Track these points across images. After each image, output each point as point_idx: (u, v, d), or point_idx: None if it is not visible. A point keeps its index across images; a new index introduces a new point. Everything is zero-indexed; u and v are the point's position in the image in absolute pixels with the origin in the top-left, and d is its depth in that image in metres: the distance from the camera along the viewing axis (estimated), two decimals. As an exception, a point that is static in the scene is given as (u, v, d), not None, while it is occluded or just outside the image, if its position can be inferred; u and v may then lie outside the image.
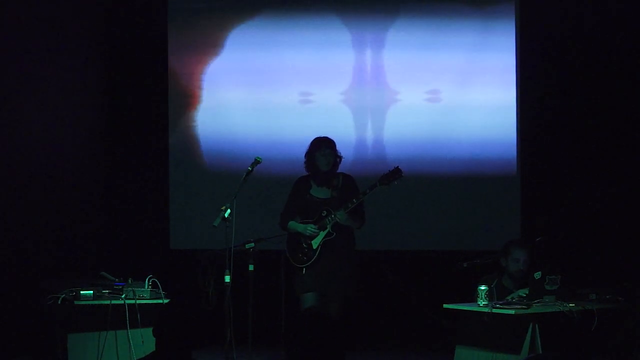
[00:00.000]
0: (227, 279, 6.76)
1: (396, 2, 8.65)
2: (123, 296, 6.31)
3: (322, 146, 7.00)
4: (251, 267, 6.93)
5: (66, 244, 8.32)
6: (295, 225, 7.02)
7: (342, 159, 7.07)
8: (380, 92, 8.65)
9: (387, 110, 8.64)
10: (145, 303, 6.33)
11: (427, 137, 8.55)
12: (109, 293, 6.36)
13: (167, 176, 8.83)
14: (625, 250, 8.13)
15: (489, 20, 8.54)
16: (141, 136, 8.95)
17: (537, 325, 5.86)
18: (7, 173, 7.77)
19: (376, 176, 7.00)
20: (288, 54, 8.69)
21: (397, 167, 6.95)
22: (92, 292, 6.33)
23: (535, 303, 6.06)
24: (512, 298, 6.28)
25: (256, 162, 6.97)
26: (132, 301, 6.29)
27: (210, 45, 8.78)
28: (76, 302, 6.27)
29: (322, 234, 6.93)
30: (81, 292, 6.30)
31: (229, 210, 6.73)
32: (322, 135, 7.11)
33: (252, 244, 6.97)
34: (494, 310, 5.93)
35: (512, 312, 5.88)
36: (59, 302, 6.26)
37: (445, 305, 6.29)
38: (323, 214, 6.95)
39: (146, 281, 6.42)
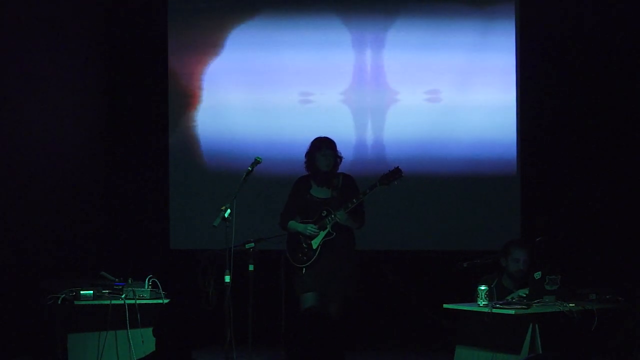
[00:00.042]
0: (227, 279, 6.77)
1: (396, 2, 8.65)
2: (123, 296, 6.31)
3: (323, 147, 7.00)
4: (251, 267, 6.93)
5: (66, 244, 8.32)
6: (295, 225, 7.02)
7: (342, 159, 7.08)
8: (380, 92, 8.65)
9: (387, 110, 8.64)
10: (145, 303, 6.33)
11: (427, 137, 8.55)
12: (109, 293, 6.36)
13: (167, 176, 8.83)
14: (625, 250, 8.13)
15: (489, 20, 8.54)
16: (141, 136, 8.95)
17: (537, 325, 5.86)
18: (7, 173, 7.77)
19: (376, 176, 7.00)
20: (288, 54, 8.69)
21: (397, 167, 6.95)
22: (92, 292, 6.33)
23: (535, 303, 6.06)
24: (512, 298, 6.28)
25: (256, 162, 6.97)
26: (132, 301, 6.30)
27: (210, 45, 8.78)
28: (76, 302, 6.27)
29: (322, 233, 6.93)
30: (81, 292, 6.30)
31: (229, 210, 6.73)
32: (322, 135, 7.12)
33: (252, 244, 6.97)
34: (494, 310, 5.93)
35: (512, 312, 5.88)
36: (59, 302, 6.26)
37: (445, 305, 6.29)
38: (323, 214, 6.95)
39: (146, 281, 6.42)
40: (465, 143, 8.52)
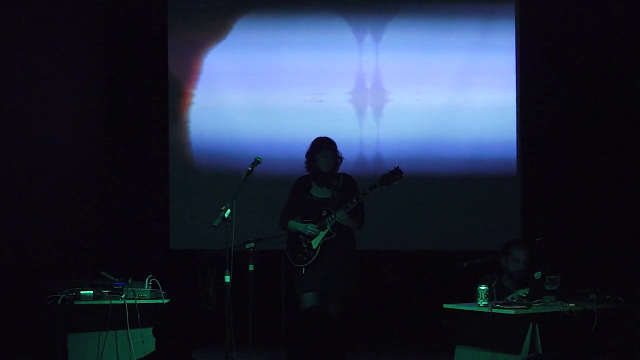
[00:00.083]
0: (227, 279, 6.76)
1: (396, 2, 8.65)
2: (123, 296, 6.31)
3: (323, 147, 7.00)
4: (251, 267, 6.93)
5: (66, 244, 8.32)
6: (295, 224, 7.02)
7: (343, 160, 7.08)
8: (380, 92, 8.65)
9: (387, 111, 8.63)
10: (145, 303, 6.33)
11: (427, 137, 8.55)
12: (109, 293, 6.36)
13: (167, 176, 8.83)
14: (625, 250, 8.13)
15: (489, 20, 8.53)
16: (141, 136, 8.95)
17: (537, 325, 5.86)
18: (7, 173, 7.77)
19: (376, 176, 7.01)
20: (288, 54, 8.69)
21: (397, 167, 6.95)
22: (92, 292, 6.33)
23: (535, 303, 6.06)
24: (512, 298, 6.28)
25: (256, 162, 6.97)
26: (132, 301, 6.29)
27: (210, 45, 8.78)
28: (76, 302, 6.27)
29: (322, 233, 6.93)
30: (81, 292, 6.30)
31: (229, 210, 6.73)
32: (323, 135, 7.12)
33: (252, 244, 6.96)
34: (494, 310, 5.92)
35: (512, 312, 5.88)
36: (59, 302, 6.26)
37: (445, 305, 6.28)
38: (323, 214, 6.95)
39: (146, 281, 6.42)
40: (465, 143, 8.52)
